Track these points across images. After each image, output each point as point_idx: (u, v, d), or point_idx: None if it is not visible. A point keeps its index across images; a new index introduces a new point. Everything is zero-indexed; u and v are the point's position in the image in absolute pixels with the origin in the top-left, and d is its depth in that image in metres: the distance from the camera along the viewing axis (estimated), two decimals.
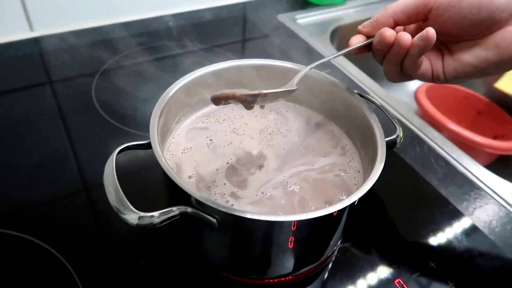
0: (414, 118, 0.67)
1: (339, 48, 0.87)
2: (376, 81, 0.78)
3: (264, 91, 0.35)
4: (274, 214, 0.39)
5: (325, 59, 0.43)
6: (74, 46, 0.76)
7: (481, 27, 0.38)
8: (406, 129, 0.65)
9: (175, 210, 0.35)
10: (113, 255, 0.45)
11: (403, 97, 1.06)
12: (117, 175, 0.37)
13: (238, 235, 0.37)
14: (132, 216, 0.35)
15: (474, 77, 0.41)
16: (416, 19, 0.40)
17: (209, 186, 0.42)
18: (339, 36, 0.92)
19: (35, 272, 0.43)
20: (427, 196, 0.55)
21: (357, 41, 0.42)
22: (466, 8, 0.37)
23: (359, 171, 0.45)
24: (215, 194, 0.41)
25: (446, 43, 0.42)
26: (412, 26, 0.44)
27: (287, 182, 0.43)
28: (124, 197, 0.36)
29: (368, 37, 0.42)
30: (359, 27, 0.42)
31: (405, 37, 0.38)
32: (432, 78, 0.42)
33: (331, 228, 0.41)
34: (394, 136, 0.45)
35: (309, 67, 0.43)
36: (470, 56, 0.39)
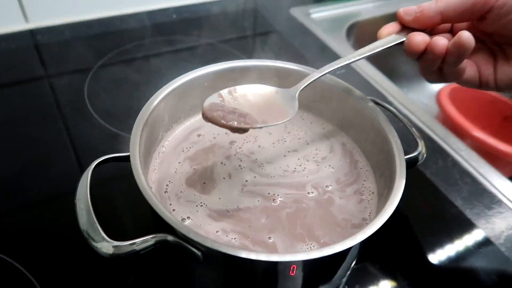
0: (436, 126, 0.61)
1: (355, 47, 0.81)
2: (394, 81, 0.71)
3: (258, 125, 0.33)
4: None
5: (335, 67, 0.37)
6: (71, 39, 0.71)
7: None
8: (427, 139, 0.58)
9: (150, 240, 0.30)
10: (99, 271, 0.41)
11: (424, 99, 0.99)
12: (95, 188, 0.33)
13: (226, 271, 0.32)
14: (105, 245, 0.30)
15: None
16: (469, 18, 0.34)
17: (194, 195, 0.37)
18: (356, 33, 0.85)
19: None
20: (450, 218, 0.48)
21: (388, 31, 0.36)
22: None
23: (373, 193, 0.39)
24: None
25: (502, 45, 0.35)
26: (463, 24, 0.37)
27: (281, 199, 0.37)
28: (97, 222, 0.31)
29: (403, 27, 0.36)
30: (400, 10, 0.35)
31: (440, 43, 0.32)
32: (479, 85, 0.36)
33: (340, 261, 0.35)
34: (415, 154, 0.39)
35: (313, 77, 0.37)
36: None
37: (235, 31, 0.78)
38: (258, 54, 0.74)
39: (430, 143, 0.58)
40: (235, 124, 0.32)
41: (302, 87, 0.37)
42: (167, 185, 0.38)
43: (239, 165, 0.40)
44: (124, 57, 0.68)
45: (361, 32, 0.86)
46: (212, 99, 0.34)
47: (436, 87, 0.94)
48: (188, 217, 0.36)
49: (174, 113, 0.42)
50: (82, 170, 0.35)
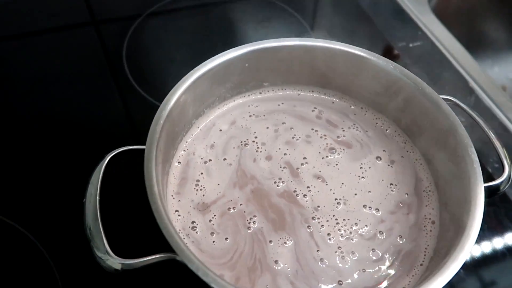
0: None
1: (437, 12, 0.67)
2: (475, 51, 0.59)
3: None
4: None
5: None
6: None
7: None
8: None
9: (157, 258, 0.27)
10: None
11: (510, 73, 0.84)
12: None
13: None
14: (108, 258, 0.27)
15: None
16: None
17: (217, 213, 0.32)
18: None
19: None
20: None
21: None
22: None
23: (433, 223, 0.32)
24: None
25: None
26: None
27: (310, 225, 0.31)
28: (104, 237, 0.27)
29: None
30: None
31: None
32: None
33: None
34: (497, 181, 0.31)
35: None
36: None
37: None
38: (318, 13, 0.64)
39: None
40: None
41: None
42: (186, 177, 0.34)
43: (268, 165, 0.34)
44: (174, 5, 0.61)
45: None
46: None
47: None
48: (193, 222, 0.32)
49: (207, 98, 0.36)
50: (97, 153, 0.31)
